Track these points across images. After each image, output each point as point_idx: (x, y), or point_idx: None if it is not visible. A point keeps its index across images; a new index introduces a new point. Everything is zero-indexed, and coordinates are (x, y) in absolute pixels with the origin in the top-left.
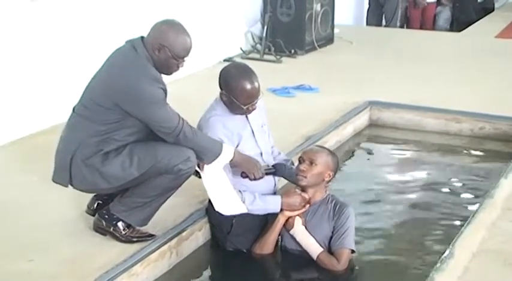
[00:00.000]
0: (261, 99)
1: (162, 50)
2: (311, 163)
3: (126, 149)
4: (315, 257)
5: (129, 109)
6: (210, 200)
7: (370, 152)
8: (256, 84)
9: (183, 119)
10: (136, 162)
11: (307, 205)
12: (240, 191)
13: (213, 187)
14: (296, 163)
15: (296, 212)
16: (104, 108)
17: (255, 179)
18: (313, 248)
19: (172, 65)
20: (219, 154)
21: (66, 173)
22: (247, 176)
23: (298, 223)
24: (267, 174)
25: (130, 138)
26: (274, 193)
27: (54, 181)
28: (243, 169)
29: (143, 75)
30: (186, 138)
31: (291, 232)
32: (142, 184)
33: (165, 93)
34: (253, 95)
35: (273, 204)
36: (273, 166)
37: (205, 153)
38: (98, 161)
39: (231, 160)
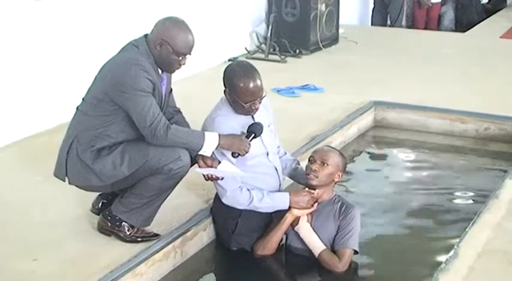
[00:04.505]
0: (267, 98)
1: (163, 46)
2: (323, 163)
3: (119, 148)
4: (317, 254)
5: (113, 94)
6: (214, 199)
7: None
8: (258, 82)
9: (161, 117)
10: (127, 160)
11: (316, 204)
12: (248, 189)
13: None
14: (302, 163)
15: (305, 211)
16: (97, 100)
17: (246, 152)
18: (316, 245)
19: (173, 62)
20: (202, 145)
21: (63, 167)
22: (239, 154)
23: (303, 219)
24: (251, 140)
25: (123, 135)
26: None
27: (54, 175)
28: (232, 149)
29: (133, 64)
30: (161, 136)
31: (296, 228)
32: (138, 184)
33: (153, 86)
34: (255, 93)
35: (281, 201)
36: (248, 131)
37: (187, 148)
38: (90, 157)
39: (217, 145)
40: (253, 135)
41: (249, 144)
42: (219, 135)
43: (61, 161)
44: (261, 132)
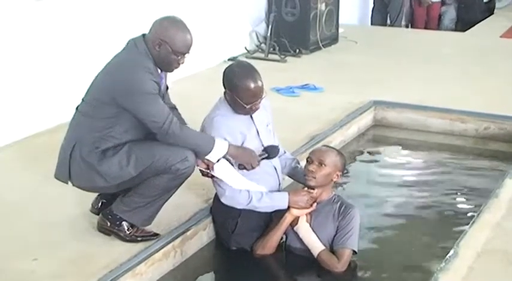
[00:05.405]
0: (266, 98)
1: (162, 46)
2: (320, 163)
3: (124, 148)
4: (316, 254)
5: (121, 100)
6: (214, 199)
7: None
8: (259, 83)
9: (172, 116)
10: (133, 161)
11: (315, 204)
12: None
13: (228, 178)
14: (301, 162)
15: (304, 211)
16: (101, 103)
17: (252, 168)
18: (316, 245)
19: (172, 61)
20: (211, 150)
21: (66, 169)
22: (244, 167)
23: (302, 219)
24: (262, 159)
25: (128, 135)
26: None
27: (55, 177)
28: (240, 161)
29: (137, 66)
30: (174, 135)
31: (295, 228)
32: (142, 184)
33: (159, 88)
34: (257, 94)
35: (279, 200)
36: (263, 149)
37: (196, 150)
38: (95, 158)
39: (226, 153)
40: (265, 155)
41: (259, 162)
42: (229, 144)
43: (63, 163)
44: (274, 157)
